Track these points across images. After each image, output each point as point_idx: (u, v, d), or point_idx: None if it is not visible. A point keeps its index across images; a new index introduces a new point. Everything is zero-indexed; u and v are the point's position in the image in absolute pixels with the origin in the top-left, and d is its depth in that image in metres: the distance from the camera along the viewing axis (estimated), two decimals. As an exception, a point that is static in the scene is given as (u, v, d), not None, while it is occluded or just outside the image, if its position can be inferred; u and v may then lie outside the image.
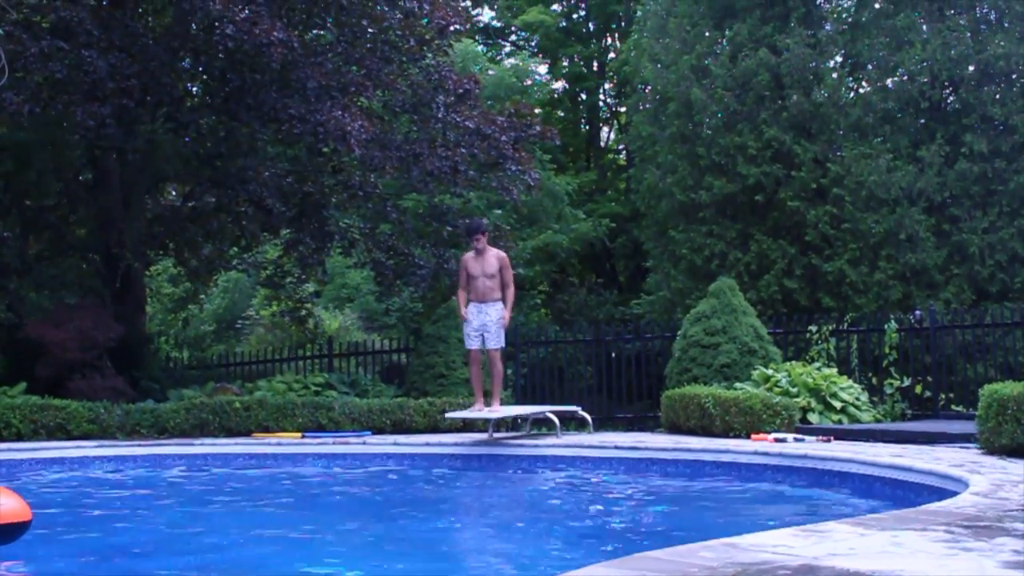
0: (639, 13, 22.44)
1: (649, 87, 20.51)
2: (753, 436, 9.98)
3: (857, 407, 11.46)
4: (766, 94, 17.21)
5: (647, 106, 20.72)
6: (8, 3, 11.19)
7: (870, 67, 17.86)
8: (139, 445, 10.86)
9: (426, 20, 14.39)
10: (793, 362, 12.33)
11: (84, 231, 15.68)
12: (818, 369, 11.97)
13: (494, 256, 10.90)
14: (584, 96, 28.90)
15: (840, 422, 11.10)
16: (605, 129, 30.16)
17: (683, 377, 12.49)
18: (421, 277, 15.50)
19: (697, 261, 17.65)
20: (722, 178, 17.47)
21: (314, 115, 12.60)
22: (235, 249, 16.86)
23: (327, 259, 17.20)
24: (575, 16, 28.45)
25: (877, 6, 17.83)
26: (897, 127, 17.33)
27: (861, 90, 18.16)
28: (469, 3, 26.76)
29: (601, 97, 29.29)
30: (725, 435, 10.40)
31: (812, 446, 8.97)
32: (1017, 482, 6.03)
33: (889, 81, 17.61)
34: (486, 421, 11.49)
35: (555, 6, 27.91)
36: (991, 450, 8.11)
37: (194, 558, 5.71)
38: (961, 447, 8.80)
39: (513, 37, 29.87)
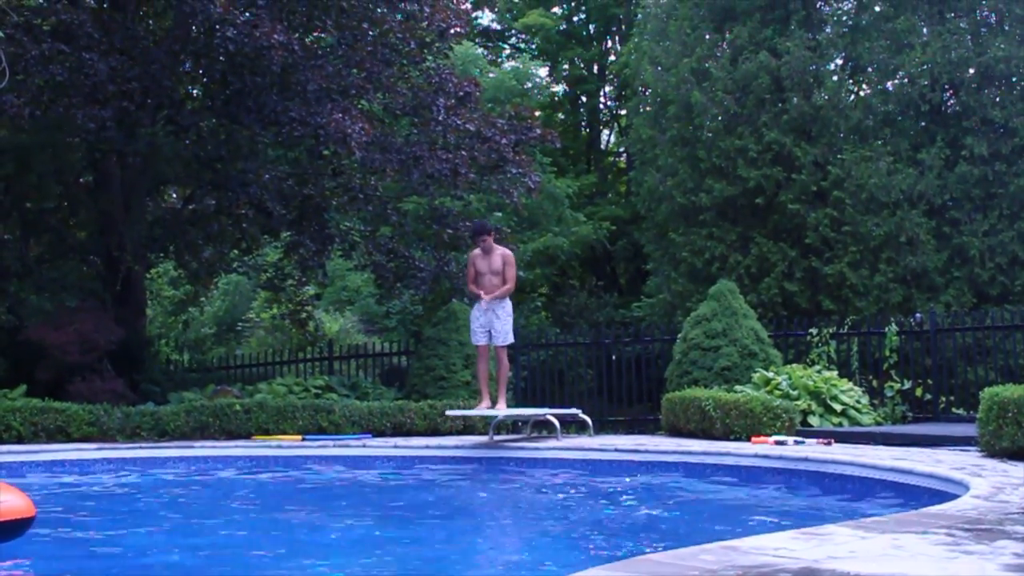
0: (639, 16, 22.45)
1: (649, 90, 20.52)
2: (753, 439, 9.98)
3: (858, 410, 11.46)
4: (766, 97, 17.21)
5: (647, 109, 20.74)
6: (9, 5, 11.19)
7: (870, 70, 17.88)
8: (139, 448, 10.86)
9: (426, 23, 14.39)
10: (793, 365, 12.32)
11: (85, 234, 15.68)
12: (818, 372, 11.97)
13: (499, 255, 11.16)
14: (584, 99, 28.91)
15: (840, 425, 11.10)
16: (605, 132, 30.17)
17: (683, 380, 12.48)
18: (421, 280, 15.49)
19: (697, 264, 17.65)
20: (722, 181, 17.47)
21: (315, 118, 12.60)
22: (235, 252, 16.85)
23: (327, 262, 17.19)
24: (575, 19, 28.46)
25: (877, 9, 17.85)
26: (897, 130, 17.34)
27: (861, 93, 18.18)
28: (469, 6, 26.76)
29: (601, 100, 29.32)
30: (725, 438, 10.40)
31: (813, 449, 8.97)
32: (1018, 485, 6.02)
33: (889, 84, 17.64)
34: (487, 423, 11.50)
35: (555, 9, 27.92)
36: (992, 453, 8.11)
37: (194, 559, 5.71)
38: (962, 450, 8.80)
39: (513, 40, 29.90)
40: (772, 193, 17.14)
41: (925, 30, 17.34)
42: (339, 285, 21.48)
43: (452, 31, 14.76)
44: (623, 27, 27.24)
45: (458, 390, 13.36)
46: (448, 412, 11.80)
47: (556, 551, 5.92)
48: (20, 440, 11.09)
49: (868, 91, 18.01)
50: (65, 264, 15.11)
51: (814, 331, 13.67)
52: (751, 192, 17.19)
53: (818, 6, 18.48)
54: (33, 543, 5.47)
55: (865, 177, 16.34)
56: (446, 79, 14.66)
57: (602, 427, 13.56)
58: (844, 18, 18.66)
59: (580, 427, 12.48)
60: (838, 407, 11.32)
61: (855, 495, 7.57)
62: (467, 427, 12.41)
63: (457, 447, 10.72)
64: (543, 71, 27.17)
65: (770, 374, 11.81)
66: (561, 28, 27.46)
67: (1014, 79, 16.95)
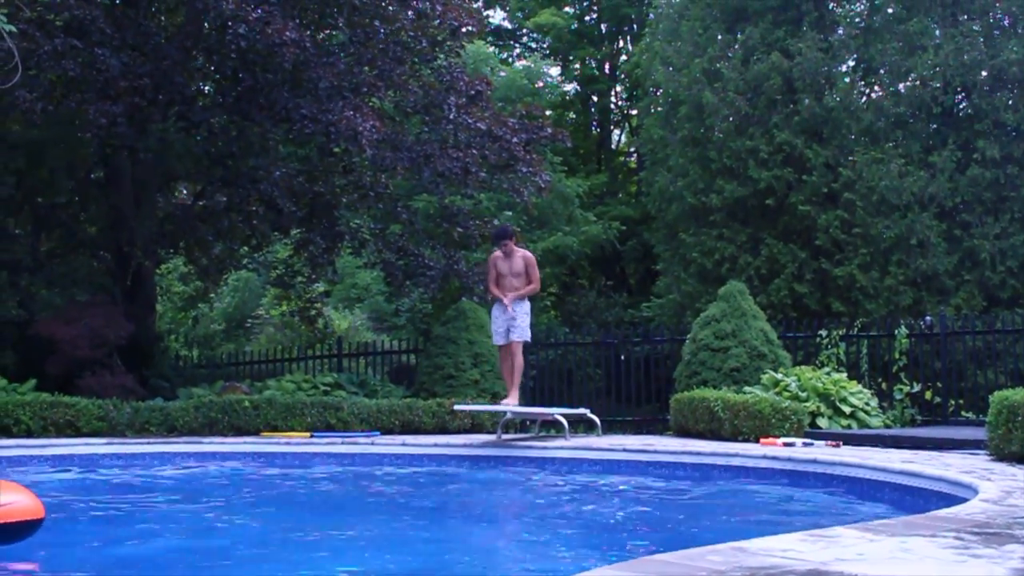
0: (651, 16, 22.46)
1: (661, 90, 20.51)
2: (762, 440, 9.96)
3: (867, 412, 11.44)
4: (778, 98, 17.18)
5: (658, 109, 20.73)
6: (22, 1, 11.22)
7: (882, 72, 17.82)
8: (148, 443, 10.88)
9: (438, 21, 14.39)
10: (803, 367, 12.30)
11: (95, 229, 15.73)
12: (828, 374, 11.94)
13: (520, 257, 11.45)
14: (596, 98, 28.91)
15: (849, 427, 11.08)
16: (616, 132, 30.17)
17: (692, 381, 12.47)
18: (431, 278, 15.50)
19: (707, 265, 17.64)
20: (733, 182, 17.45)
21: (326, 115, 12.62)
22: (245, 248, 16.88)
23: (337, 259, 17.21)
24: (587, 18, 28.47)
25: (890, 11, 17.80)
26: (909, 132, 17.30)
27: (873, 95, 18.13)
28: (481, 4, 26.78)
29: (612, 100, 29.31)
30: (734, 439, 10.39)
31: (821, 451, 8.95)
32: (1027, 489, 6.00)
33: (901, 86, 17.58)
34: (495, 422, 11.53)
35: (567, 8, 27.92)
36: (1001, 457, 8.08)
37: (202, 556, 5.72)
38: (971, 453, 8.78)
39: (525, 39, 29.90)
40: (783, 194, 17.11)
41: (938, 32, 17.29)
42: (349, 283, 21.50)
43: (464, 30, 14.76)
44: (635, 27, 27.23)
45: (467, 388, 13.37)
46: (456, 407, 11.86)
47: (564, 550, 5.91)
48: (29, 434, 11.13)
49: (880, 93, 17.96)
50: (76, 259, 15.16)
51: (823, 333, 13.64)
52: (762, 193, 17.17)
53: (830, 7, 18.45)
54: (41, 538, 5.48)
55: (876, 179, 16.30)
56: (457, 77, 14.67)
57: (610, 427, 13.56)
58: (856, 20, 18.61)
59: (588, 427, 12.48)
60: (847, 409, 11.30)
61: (863, 497, 7.55)
62: (475, 426, 12.43)
63: (465, 446, 10.72)
64: (554, 70, 27.19)
65: (779, 375, 11.79)
66: (573, 27, 27.46)
67: (1027, 82, 16.90)
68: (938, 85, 16.76)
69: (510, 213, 19.10)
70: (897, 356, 13.19)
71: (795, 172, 16.98)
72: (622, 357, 15.24)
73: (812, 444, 9.57)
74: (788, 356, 12.83)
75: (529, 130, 14.97)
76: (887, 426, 11.72)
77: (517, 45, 30.01)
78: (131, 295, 14.59)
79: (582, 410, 12.16)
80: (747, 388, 11.73)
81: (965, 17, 17.27)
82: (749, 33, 17.92)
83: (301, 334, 19.17)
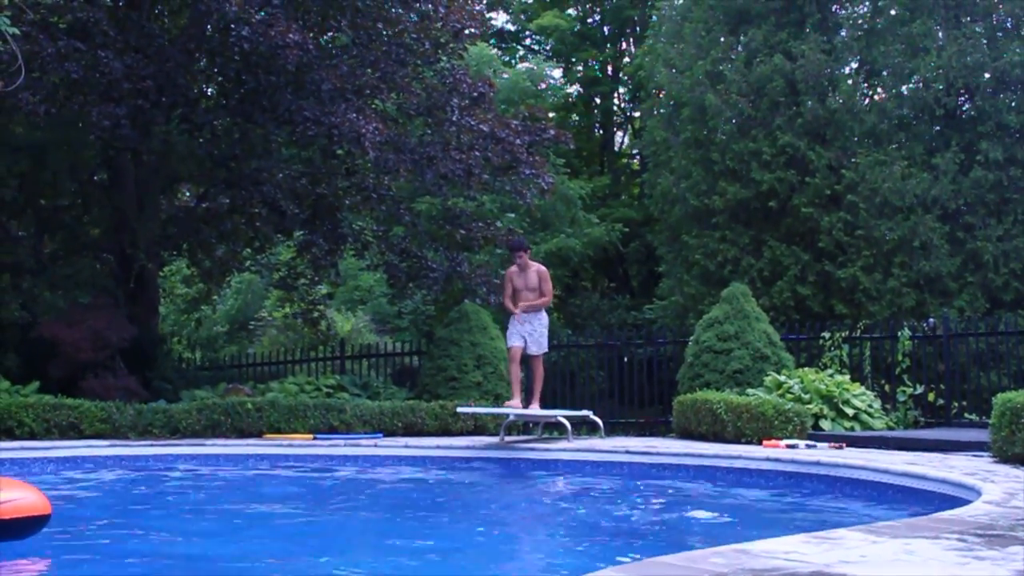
0: (654, 18, 22.44)
1: (663, 92, 20.50)
2: (765, 442, 9.95)
3: (869, 414, 11.43)
4: (781, 100, 17.18)
5: (661, 111, 20.72)
6: (25, 3, 11.23)
7: (885, 74, 17.81)
8: (151, 445, 10.89)
9: (441, 23, 14.40)
10: (806, 368, 12.30)
11: (98, 231, 15.73)
12: (831, 376, 11.94)
13: (535, 271, 11.69)
14: (598, 100, 28.90)
15: (852, 429, 11.08)
16: (619, 134, 30.17)
17: (695, 383, 12.47)
18: (434, 280, 15.50)
19: (710, 267, 17.63)
20: (736, 184, 17.45)
21: (328, 117, 12.62)
22: (248, 250, 16.89)
23: (340, 261, 17.22)
24: (590, 20, 28.47)
25: (893, 13, 17.78)
26: (912, 134, 17.29)
27: (876, 97, 18.11)
28: (484, 6, 26.78)
29: (615, 102, 29.30)
30: (737, 441, 10.39)
31: (824, 453, 8.95)
32: (1030, 491, 6.00)
33: (904, 88, 17.57)
34: (498, 424, 11.56)
35: (570, 10, 27.93)
36: (1004, 459, 8.08)
37: (204, 559, 5.72)
38: (974, 455, 8.77)
39: (528, 41, 29.91)
40: (785, 196, 17.11)
41: (941, 34, 17.28)
42: (351, 285, 21.51)
43: (467, 32, 14.77)
44: (638, 29, 27.22)
45: (469, 391, 13.37)
46: (459, 409, 11.88)
47: (567, 551, 5.92)
48: (33, 436, 11.13)
49: (883, 95, 17.94)
50: (79, 261, 15.16)
51: (826, 335, 13.64)
52: (764, 195, 17.17)
53: (833, 9, 18.44)
54: (46, 539, 5.48)
55: (879, 181, 16.29)
56: (460, 79, 14.67)
57: (613, 429, 13.55)
58: (859, 21, 18.59)
59: (591, 429, 12.48)
60: (850, 411, 11.29)
61: (866, 499, 7.55)
62: (478, 427, 12.43)
63: (468, 447, 10.72)
64: (557, 72, 27.19)
65: (782, 378, 11.78)
66: (576, 29, 27.47)
67: (1030, 84, 16.90)
68: (941, 87, 16.74)
69: (513, 215, 19.10)
70: (900, 358, 13.18)
71: (798, 174, 16.97)
72: (625, 359, 15.24)
73: (815, 446, 9.57)
74: (791, 358, 12.81)
75: (532, 132, 14.97)
76: (890, 428, 11.71)
77: (520, 47, 30.03)
78: (134, 297, 14.60)
79: (585, 412, 12.17)
80: (750, 390, 11.72)
81: (968, 19, 17.26)
82: (752, 35, 17.91)
83: (304, 336, 19.18)
